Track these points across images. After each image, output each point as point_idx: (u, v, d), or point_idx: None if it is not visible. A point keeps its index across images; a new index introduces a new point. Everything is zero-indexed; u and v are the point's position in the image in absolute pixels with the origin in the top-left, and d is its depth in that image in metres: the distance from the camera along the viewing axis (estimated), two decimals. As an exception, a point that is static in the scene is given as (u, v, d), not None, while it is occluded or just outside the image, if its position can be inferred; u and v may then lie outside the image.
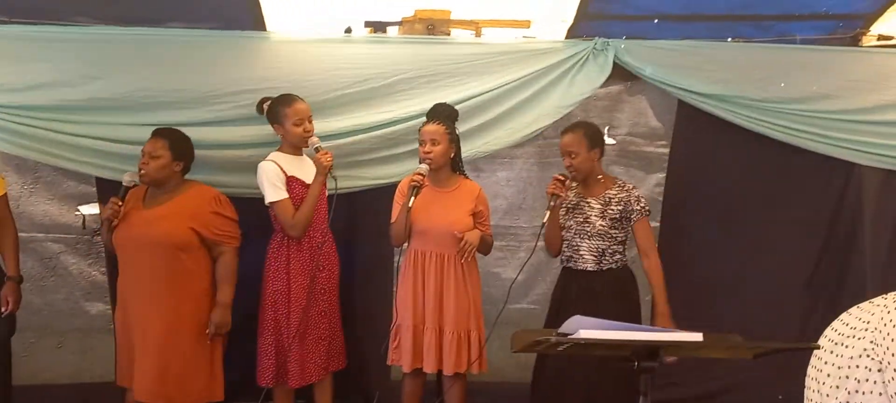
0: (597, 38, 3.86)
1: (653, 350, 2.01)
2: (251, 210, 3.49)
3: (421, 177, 3.32)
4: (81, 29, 3.52)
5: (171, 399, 3.24)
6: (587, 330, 1.93)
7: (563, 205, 3.46)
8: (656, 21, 3.86)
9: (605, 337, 1.94)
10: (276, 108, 3.44)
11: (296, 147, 3.49)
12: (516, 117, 3.86)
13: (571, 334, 1.96)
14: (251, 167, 3.50)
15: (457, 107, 3.58)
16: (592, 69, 3.84)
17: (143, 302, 3.24)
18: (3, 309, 3.32)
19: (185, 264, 3.27)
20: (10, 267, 3.38)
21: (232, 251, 3.38)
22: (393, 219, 3.48)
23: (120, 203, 3.22)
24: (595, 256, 3.39)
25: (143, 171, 3.27)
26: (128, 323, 3.31)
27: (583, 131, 3.40)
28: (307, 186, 3.44)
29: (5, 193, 3.40)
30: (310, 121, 3.45)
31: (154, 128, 3.36)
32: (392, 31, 3.86)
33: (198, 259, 3.31)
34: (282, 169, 3.42)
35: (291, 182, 3.44)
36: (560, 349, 2.02)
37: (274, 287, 3.46)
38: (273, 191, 3.38)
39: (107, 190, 3.50)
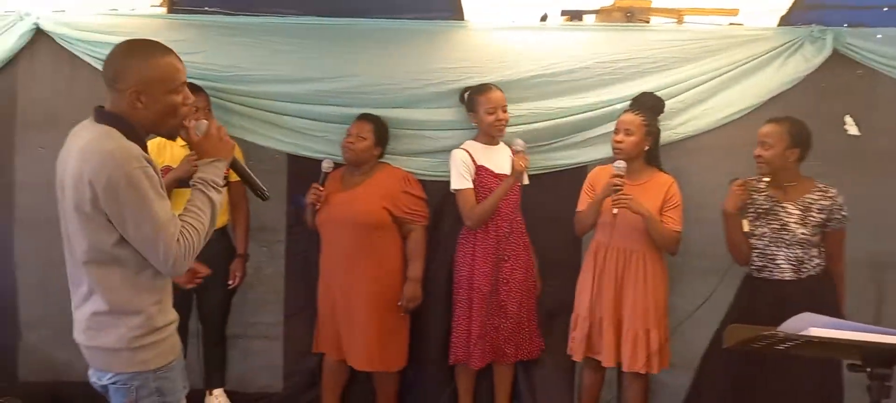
0: (814, 25, 3.57)
1: (891, 356, 1.81)
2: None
3: (620, 180, 3.20)
4: (293, 19, 3.74)
5: (379, 365, 3.50)
6: (819, 328, 1.76)
7: (752, 210, 3.21)
8: (885, 9, 3.51)
9: (843, 337, 1.75)
10: (473, 97, 3.52)
11: (490, 136, 3.52)
12: (717, 101, 3.67)
13: (799, 332, 1.80)
14: (444, 151, 3.60)
15: (664, 101, 3.48)
16: (808, 53, 3.58)
17: (345, 277, 3.44)
18: (230, 282, 3.68)
19: (380, 241, 3.47)
20: (240, 244, 3.73)
21: (421, 229, 3.54)
22: (579, 207, 3.43)
23: (321, 188, 3.44)
24: (793, 265, 3.14)
25: (347, 150, 3.45)
26: (331, 295, 3.52)
27: (787, 126, 3.13)
28: (496, 176, 3.47)
29: (239, 180, 3.70)
30: (503, 111, 3.48)
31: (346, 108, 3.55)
32: (589, 20, 3.79)
33: (391, 236, 3.49)
34: (472, 158, 3.49)
35: (481, 171, 3.49)
36: (783, 347, 1.87)
37: (461, 272, 3.56)
38: (458, 180, 3.48)
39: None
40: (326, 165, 3.49)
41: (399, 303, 3.50)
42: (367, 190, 3.46)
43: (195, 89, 3.39)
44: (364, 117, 3.52)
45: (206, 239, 2.04)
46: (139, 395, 2.06)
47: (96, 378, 2.12)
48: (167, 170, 3.51)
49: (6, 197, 3.82)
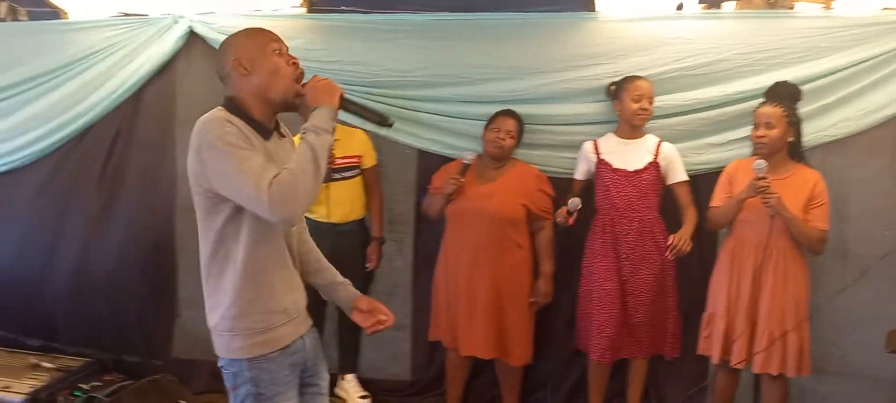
0: None
1: None
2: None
3: (765, 182, 3.03)
4: (427, 16, 3.80)
5: (506, 356, 3.51)
6: None
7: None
8: None
9: None
10: (620, 85, 3.47)
11: (631, 126, 3.45)
12: (870, 97, 3.42)
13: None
14: (572, 146, 3.57)
15: (801, 88, 3.28)
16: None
17: (473, 268, 3.47)
18: (368, 265, 3.81)
19: (512, 236, 3.49)
20: (376, 228, 3.86)
21: (549, 226, 3.55)
22: (714, 203, 3.31)
23: (462, 179, 3.46)
24: None
25: (496, 146, 3.47)
26: (454, 285, 3.55)
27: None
28: (615, 171, 3.43)
29: (375, 164, 3.85)
30: (649, 101, 3.40)
31: (482, 103, 3.56)
32: (728, 8, 3.63)
33: (522, 232, 3.51)
34: (597, 150, 3.46)
35: (601, 165, 3.46)
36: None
37: (585, 265, 3.56)
38: (576, 169, 3.54)
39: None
40: (469, 157, 3.50)
41: (531, 299, 3.53)
42: (506, 186, 3.49)
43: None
44: (509, 113, 3.52)
45: (313, 182, 1.93)
46: (235, 382, 2.08)
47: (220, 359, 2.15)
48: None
49: (169, 185, 4.13)
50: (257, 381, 2.05)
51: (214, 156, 1.92)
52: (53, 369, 3.88)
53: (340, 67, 3.74)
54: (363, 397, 3.94)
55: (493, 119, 3.52)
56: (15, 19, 4.27)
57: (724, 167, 3.39)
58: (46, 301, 4.35)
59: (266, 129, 2.06)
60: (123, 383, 3.77)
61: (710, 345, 3.33)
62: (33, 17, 4.28)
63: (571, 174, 3.61)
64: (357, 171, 3.81)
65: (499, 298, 3.46)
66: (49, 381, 3.74)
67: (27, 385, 3.69)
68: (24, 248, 4.39)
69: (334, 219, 3.76)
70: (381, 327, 2.30)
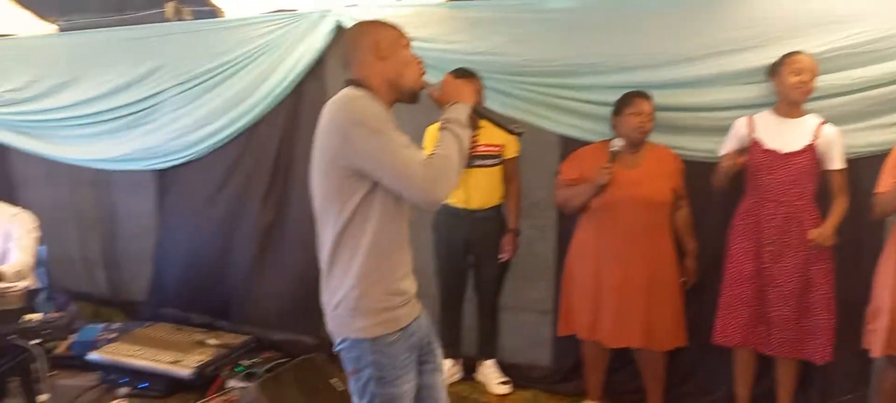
0: None
1: None
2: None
3: None
4: (565, 3, 3.75)
5: (657, 344, 3.45)
6: None
7: None
8: None
9: None
10: (780, 59, 3.29)
11: (790, 102, 3.26)
12: None
13: None
14: (721, 130, 3.43)
15: None
16: None
17: (627, 257, 3.40)
18: (501, 256, 3.84)
19: (659, 219, 3.44)
20: (512, 219, 3.88)
21: (687, 205, 3.52)
22: (880, 188, 3.08)
23: (613, 167, 3.38)
24: None
25: (640, 130, 3.39)
26: (603, 277, 3.46)
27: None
28: (765, 152, 3.25)
29: (516, 156, 3.88)
30: (811, 75, 3.20)
31: (627, 89, 3.47)
32: (898, -22, 3.37)
33: (667, 214, 3.46)
34: (751, 127, 3.32)
35: (752, 145, 3.30)
36: None
37: (727, 249, 3.42)
38: (723, 145, 3.40)
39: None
40: (618, 144, 3.39)
41: (682, 279, 3.48)
42: (652, 170, 3.42)
43: (468, 74, 3.58)
44: (645, 96, 3.43)
45: (458, 170, 2.01)
46: (358, 366, 2.10)
47: (336, 343, 2.18)
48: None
49: None
50: (379, 364, 2.08)
51: (367, 134, 1.95)
52: (217, 345, 4.17)
53: (483, 58, 3.77)
54: (503, 382, 3.98)
55: (630, 102, 3.42)
56: (180, 19, 4.59)
57: (889, 150, 3.15)
58: (218, 282, 4.71)
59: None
60: (280, 360, 4.01)
61: (875, 340, 3.13)
62: (196, 16, 4.59)
63: (716, 159, 3.46)
64: (498, 160, 3.84)
65: (653, 284, 3.39)
66: (213, 357, 4.02)
67: (194, 359, 3.99)
68: (201, 234, 4.77)
69: (472, 205, 3.81)
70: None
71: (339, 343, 2.14)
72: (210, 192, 4.77)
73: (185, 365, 3.93)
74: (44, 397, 3.76)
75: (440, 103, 2.18)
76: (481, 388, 4.02)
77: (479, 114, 2.27)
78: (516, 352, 4.14)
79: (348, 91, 2.05)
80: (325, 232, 2.09)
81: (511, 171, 3.89)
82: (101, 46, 4.89)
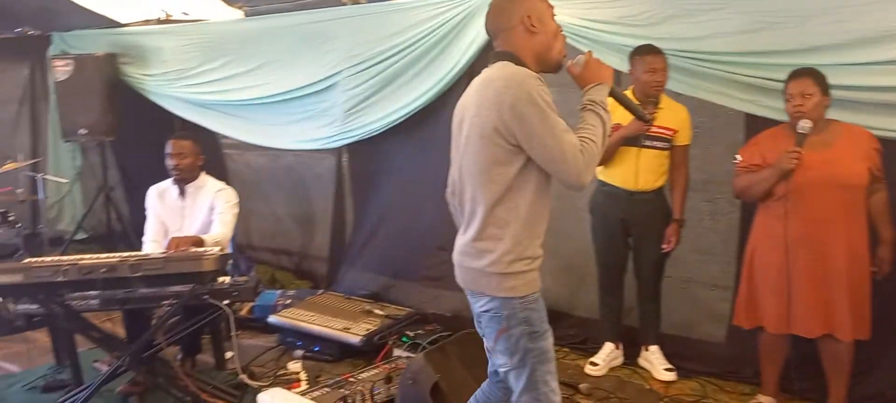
0: None
1: None
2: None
3: None
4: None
5: (846, 333, 3.20)
6: None
7: None
8: None
9: None
10: None
11: None
12: None
13: None
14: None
15: None
16: None
17: (820, 243, 3.18)
18: (664, 246, 3.73)
19: (854, 203, 3.18)
20: (677, 209, 3.77)
21: (885, 188, 3.24)
22: None
23: (800, 151, 3.15)
24: None
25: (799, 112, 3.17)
26: (791, 264, 3.22)
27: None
28: None
29: (688, 144, 3.75)
30: None
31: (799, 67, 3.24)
32: None
33: (862, 198, 3.20)
34: None
35: None
36: None
37: None
38: None
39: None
40: (806, 127, 3.14)
41: (873, 268, 3.20)
42: (845, 149, 3.15)
43: (655, 51, 3.55)
44: (806, 73, 3.17)
45: (600, 154, 2.11)
46: (509, 324, 2.18)
47: (473, 303, 2.28)
48: (617, 127, 3.67)
49: None
50: (530, 320, 2.18)
51: (535, 114, 2.03)
52: (383, 316, 4.34)
53: (664, 37, 3.66)
54: (668, 369, 3.86)
55: (797, 79, 3.17)
56: (355, 2, 4.79)
57: None
58: (392, 255, 4.98)
59: None
60: (442, 333, 4.12)
61: None
62: (370, 0, 4.78)
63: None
64: (668, 144, 3.71)
65: (845, 273, 3.15)
66: (380, 326, 4.20)
67: (363, 328, 4.18)
68: (385, 208, 5.04)
69: (635, 186, 3.72)
70: None
71: (485, 303, 2.22)
72: (385, 170, 4.96)
73: (354, 333, 4.13)
74: (230, 353, 4.11)
75: (579, 81, 2.22)
76: (644, 374, 3.93)
77: (615, 96, 2.29)
78: (689, 325, 4.02)
79: (513, 69, 2.09)
80: (477, 197, 2.18)
81: (680, 159, 3.75)
82: (282, 30, 5.21)
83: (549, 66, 2.22)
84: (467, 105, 2.19)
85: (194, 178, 4.12)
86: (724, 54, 3.58)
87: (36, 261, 3.28)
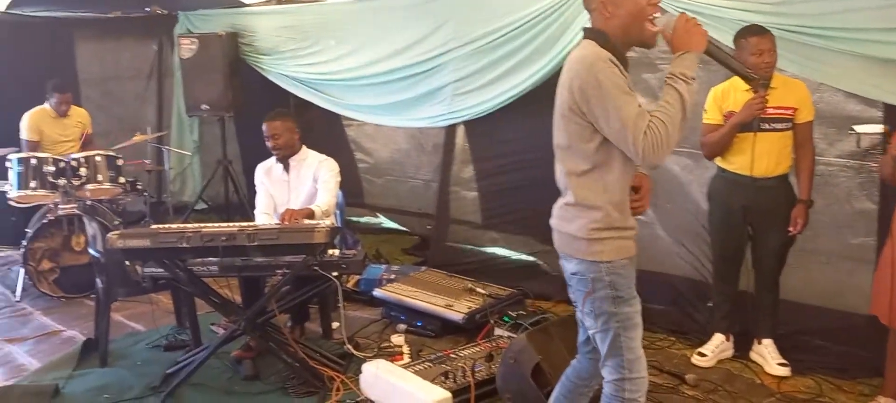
0: None
1: None
2: None
3: None
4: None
5: None
6: None
7: None
8: None
9: None
10: None
11: None
12: None
13: None
14: None
15: None
16: None
17: None
18: (791, 229, 3.56)
19: None
20: (803, 190, 3.59)
21: None
22: None
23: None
24: None
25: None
26: None
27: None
28: None
29: (810, 120, 3.56)
30: None
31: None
32: None
33: None
34: None
35: None
36: None
37: None
38: None
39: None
40: None
41: None
42: None
43: (761, 30, 3.41)
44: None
45: (679, 131, 2.09)
46: (595, 287, 2.25)
47: (565, 266, 2.36)
48: (730, 114, 3.54)
49: None
50: (615, 284, 2.24)
51: (602, 96, 2.09)
52: (485, 295, 4.36)
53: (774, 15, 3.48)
54: (782, 364, 3.70)
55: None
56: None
57: None
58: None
59: (625, 62, 2.21)
60: (544, 314, 4.11)
61: None
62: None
63: None
64: (788, 124, 3.53)
65: None
66: (482, 305, 4.22)
67: (465, 305, 4.22)
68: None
69: (756, 173, 3.56)
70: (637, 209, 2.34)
71: (574, 266, 2.30)
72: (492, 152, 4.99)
73: (457, 310, 4.17)
74: (336, 324, 4.25)
75: (671, 47, 2.18)
76: (756, 368, 3.77)
77: (713, 56, 2.20)
78: (832, 296, 3.89)
79: (588, 50, 2.16)
80: (565, 169, 2.28)
81: (804, 137, 3.56)
82: (394, 10, 5.29)
83: (637, 43, 2.26)
84: (559, 82, 2.28)
85: (295, 152, 4.29)
86: (860, 31, 3.35)
87: (162, 228, 3.49)
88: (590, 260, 2.25)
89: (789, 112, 3.52)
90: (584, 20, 4.11)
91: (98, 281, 4.02)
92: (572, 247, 2.29)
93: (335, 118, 6.28)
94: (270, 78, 6.39)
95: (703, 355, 3.83)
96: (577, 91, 2.13)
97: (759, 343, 3.81)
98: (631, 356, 2.29)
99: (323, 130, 6.17)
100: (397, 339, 4.12)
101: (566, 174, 2.28)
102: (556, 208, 2.36)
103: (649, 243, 4.36)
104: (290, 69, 6.17)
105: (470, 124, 5.29)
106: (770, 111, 3.48)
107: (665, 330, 4.16)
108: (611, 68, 2.11)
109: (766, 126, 3.52)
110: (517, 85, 4.67)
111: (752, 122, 3.50)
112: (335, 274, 3.60)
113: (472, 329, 4.13)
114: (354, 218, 6.53)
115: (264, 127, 4.24)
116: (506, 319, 4.05)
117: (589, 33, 2.25)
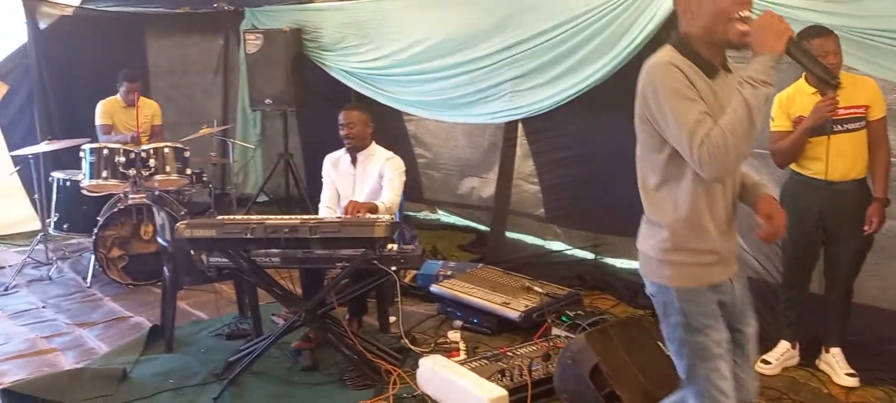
0: None
1: None
2: None
3: None
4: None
5: None
6: None
7: None
8: None
9: None
10: None
11: None
12: None
13: None
14: None
15: None
16: None
17: None
18: (866, 228, 3.44)
19: None
20: (879, 188, 3.47)
21: None
22: None
23: None
24: None
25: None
26: None
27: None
28: None
29: (883, 116, 3.44)
30: None
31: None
32: None
33: None
34: None
35: None
36: None
37: None
38: None
39: None
40: None
41: None
42: None
43: (824, 31, 3.31)
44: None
45: (746, 141, 1.90)
46: (666, 311, 2.15)
47: (646, 285, 2.24)
48: (799, 120, 3.44)
49: None
50: (686, 312, 2.11)
51: (659, 101, 2.00)
52: (543, 294, 4.34)
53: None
54: (850, 374, 3.57)
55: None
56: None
57: None
58: None
59: (712, 68, 2.07)
60: (602, 315, 4.06)
61: None
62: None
63: None
64: (862, 123, 3.42)
65: None
66: (539, 303, 4.20)
67: (522, 303, 4.20)
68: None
69: (831, 177, 3.45)
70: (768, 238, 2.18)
71: (648, 286, 2.22)
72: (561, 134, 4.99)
73: (513, 308, 4.15)
74: (393, 318, 4.28)
75: (751, 48, 2.01)
76: (823, 377, 3.65)
77: (793, 55, 2.01)
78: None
79: (660, 54, 2.06)
80: (641, 180, 2.17)
81: (879, 135, 3.45)
82: (454, 5, 5.30)
83: (724, 45, 2.09)
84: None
85: (365, 147, 4.35)
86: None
87: (228, 219, 3.58)
88: (659, 283, 2.16)
89: (861, 110, 3.40)
90: (647, 18, 4.12)
91: (166, 269, 4.14)
92: (645, 267, 2.21)
93: (395, 113, 6.32)
94: (332, 73, 6.47)
95: (767, 362, 3.73)
96: (641, 95, 2.06)
97: (827, 351, 3.69)
98: (711, 387, 2.12)
99: (383, 125, 6.20)
100: (454, 335, 4.13)
101: (641, 187, 2.18)
102: (642, 222, 2.25)
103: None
104: (350, 64, 6.24)
105: (529, 118, 5.27)
106: (841, 112, 3.38)
107: (727, 335, 4.08)
108: (671, 72, 1.99)
109: (839, 127, 3.41)
110: (577, 83, 4.61)
111: (824, 125, 3.40)
112: (394, 268, 3.63)
113: (528, 327, 4.10)
114: (411, 213, 6.57)
115: (341, 115, 4.32)
116: (564, 319, 4.02)
117: (672, 37, 2.14)
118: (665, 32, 4.17)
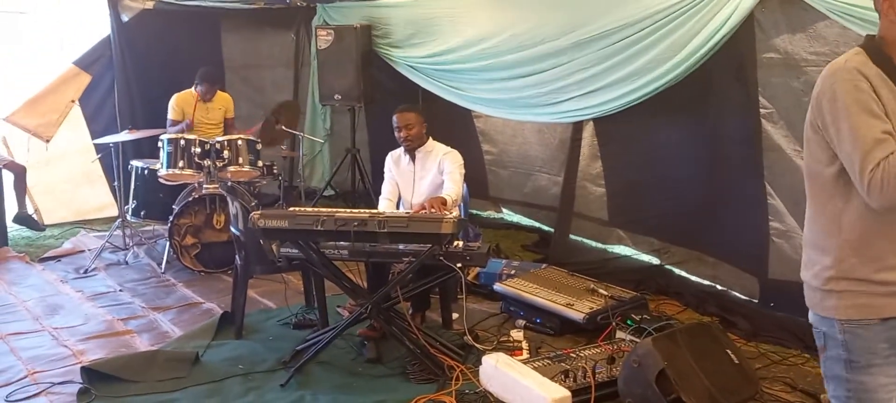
0: None
1: None
2: None
3: None
4: None
5: None
6: None
7: None
8: None
9: None
10: None
11: None
12: None
13: None
14: None
15: None
16: None
17: None
18: None
19: None
20: None
21: None
22: None
23: None
24: None
25: None
26: None
27: None
28: None
29: None
30: None
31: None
32: None
33: None
34: None
35: None
36: None
37: None
38: None
39: None
40: None
41: None
42: None
43: None
44: None
45: None
46: (827, 344, 1.96)
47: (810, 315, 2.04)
48: None
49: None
50: (849, 346, 1.90)
51: (835, 110, 1.80)
52: (607, 296, 4.29)
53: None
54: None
55: None
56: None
57: None
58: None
59: None
60: (668, 320, 4.00)
61: None
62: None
63: None
64: None
65: None
66: (604, 306, 4.15)
67: (586, 305, 4.17)
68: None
69: None
70: None
71: (811, 316, 2.03)
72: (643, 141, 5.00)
73: (577, 310, 4.12)
74: (456, 315, 4.31)
75: None
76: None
77: None
78: None
79: (845, 58, 1.85)
80: (808, 197, 1.98)
81: None
82: (523, 5, 5.28)
83: None
84: None
85: (422, 144, 4.47)
86: None
87: (299, 211, 3.66)
88: (821, 315, 1.96)
89: None
90: (723, 18, 4.03)
91: (237, 257, 4.26)
92: (808, 297, 2.00)
93: (464, 109, 6.35)
94: (400, 70, 6.53)
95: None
96: (815, 100, 1.85)
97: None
98: None
99: (451, 121, 6.25)
100: (517, 334, 4.13)
101: (808, 204, 1.98)
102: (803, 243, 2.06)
103: (786, 250, 4.16)
104: (418, 62, 6.29)
105: (598, 119, 5.23)
106: None
107: (799, 345, 3.94)
108: (856, 80, 1.77)
109: None
110: (647, 84, 4.54)
111: None
112: (459, 265, 3.65)
113: (592, 330, 4.07)
114: (476, 212, 6.58)
115: (394, 118, 4.39)
116: (629, 322, 3.97)
117: (863, 39, 1.91)
118: (744, 33, 4.09)
